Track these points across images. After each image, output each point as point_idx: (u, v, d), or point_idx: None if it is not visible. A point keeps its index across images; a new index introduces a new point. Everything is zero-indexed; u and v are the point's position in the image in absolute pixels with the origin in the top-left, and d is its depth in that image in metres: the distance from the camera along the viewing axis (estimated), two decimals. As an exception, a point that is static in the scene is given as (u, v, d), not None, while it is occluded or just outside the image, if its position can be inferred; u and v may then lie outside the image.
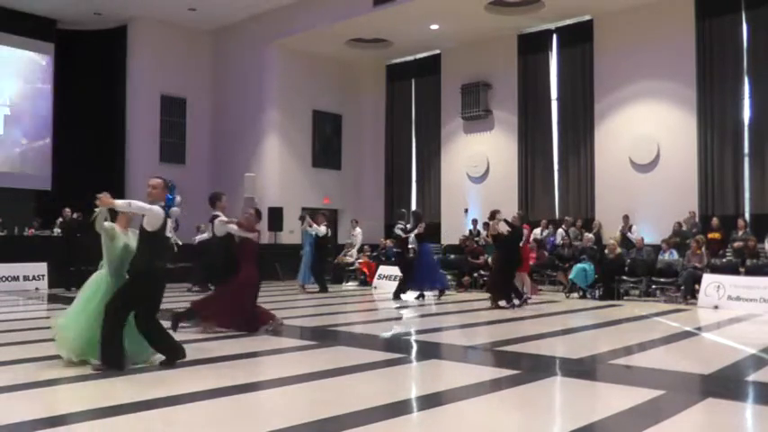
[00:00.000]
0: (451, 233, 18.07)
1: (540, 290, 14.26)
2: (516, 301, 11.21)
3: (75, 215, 14.57)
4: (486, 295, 11.83)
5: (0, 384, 5.09)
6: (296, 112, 19.43)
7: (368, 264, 16.51)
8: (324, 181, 20.00)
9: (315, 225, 14.39)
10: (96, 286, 5.94)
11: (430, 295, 12.92)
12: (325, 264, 15.36)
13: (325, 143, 20.31)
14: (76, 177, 18.55)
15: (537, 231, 16.24)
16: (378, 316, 11.03)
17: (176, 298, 11.97)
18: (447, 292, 13.35)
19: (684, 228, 14.14)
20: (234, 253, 7.99)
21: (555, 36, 17.21)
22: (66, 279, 14.33)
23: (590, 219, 16.01)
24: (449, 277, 15.12)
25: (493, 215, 11.86)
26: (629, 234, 14.82)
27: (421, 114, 20.01)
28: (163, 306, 5.99)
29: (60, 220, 16.22)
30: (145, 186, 5.79)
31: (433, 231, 17.09)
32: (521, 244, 11.79)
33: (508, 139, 17.89)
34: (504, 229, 11.48)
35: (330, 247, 15.90)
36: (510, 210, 17.25)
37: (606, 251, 13.41)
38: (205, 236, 14.35)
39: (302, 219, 14.89)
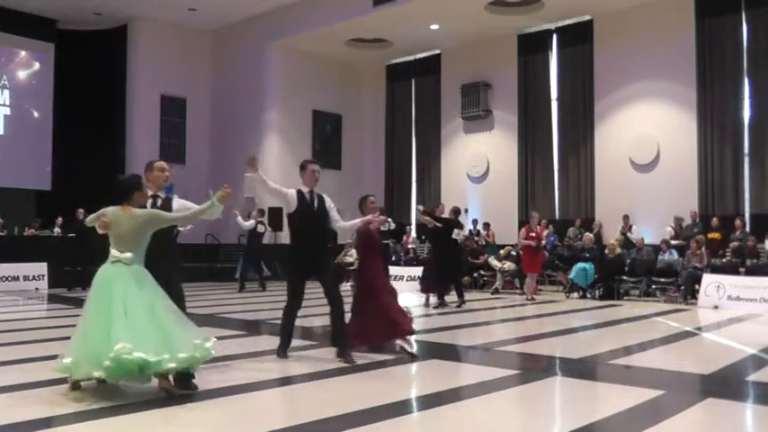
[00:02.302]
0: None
1: (540, 290, 14.27)
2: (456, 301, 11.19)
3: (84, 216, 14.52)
4: (486, 295, 11.84)
5: (0, 384, 5.09)
6: (296, 112, 19.43)
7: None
8: (324, 181, 19.77)
9: (240, 219, 14.22)
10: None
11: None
12: (256, 260, 15.04)
13: (326, 143, 20.31)
14: (76, 177, 18.57)
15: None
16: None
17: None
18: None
19: (688, 223, 14.19)
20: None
21: (555, 36, 17.21)
22: (72, 279, 14.38)
23: (590, 219, 16.02)
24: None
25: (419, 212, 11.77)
26: (629, 234, 14.83)
27: (421, 114, 20.01)
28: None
29: (60, 220, 16.26)
30: (146, 186, 5.75)
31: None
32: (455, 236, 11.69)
33: (508, 139, 17.90)
34: (428, 221, 11.16)
35: (261, 242, 15.32)
36: (509, 209, 17.38)
37: (606, 251, 13.42)
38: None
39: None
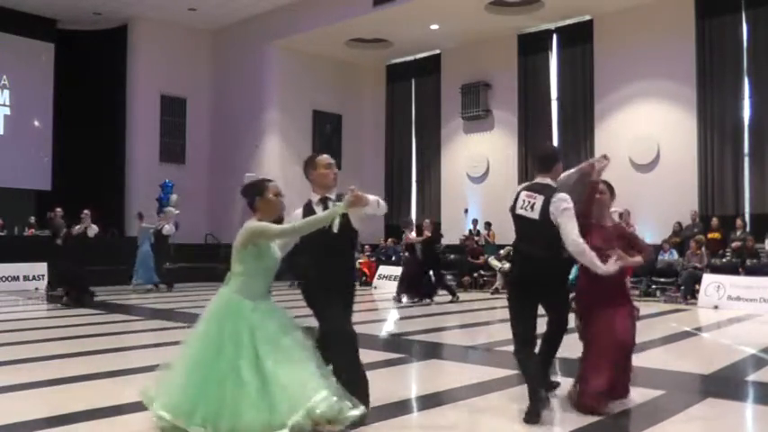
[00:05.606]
0: (451, 233, 18.06)
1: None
2: (427, 300, 12.14)
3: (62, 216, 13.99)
4: (486, 295, 11.87)
5: (0, 384, 5.09)
6: (296, 112, 19.43)
7: (368, 264, 16.52)
8: (323, 181, 20.01)
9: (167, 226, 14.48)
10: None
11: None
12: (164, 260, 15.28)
13: (326, 143, 20.30)
14: (76, 177, 18.58)
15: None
16: (378, 316, 11.03)
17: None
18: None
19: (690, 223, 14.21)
20: None
21: (555, 36, 17.20)
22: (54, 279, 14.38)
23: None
24: (449, 277, 15.15)
25: (407, 224, 13.26)
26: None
27: (421, 114, 20.01)
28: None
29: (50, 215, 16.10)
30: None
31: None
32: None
33: (508, 139, 17.89)
34: (416, 239, 12.63)
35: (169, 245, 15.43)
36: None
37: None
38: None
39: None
